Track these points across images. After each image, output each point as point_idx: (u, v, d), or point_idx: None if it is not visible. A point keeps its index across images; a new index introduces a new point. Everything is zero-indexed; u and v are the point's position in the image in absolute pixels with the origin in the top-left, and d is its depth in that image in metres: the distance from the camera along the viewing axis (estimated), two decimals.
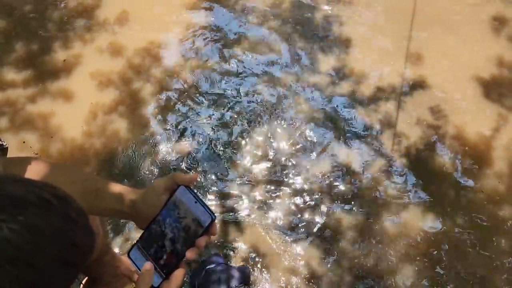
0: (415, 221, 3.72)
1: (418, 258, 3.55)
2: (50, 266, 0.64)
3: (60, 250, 0.67)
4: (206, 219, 0.93)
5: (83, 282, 1.98)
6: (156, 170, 3.86)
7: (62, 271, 0.67)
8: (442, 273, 3.49)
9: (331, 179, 3.87)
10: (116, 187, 1.08)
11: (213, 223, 0.96)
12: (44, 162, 1.16)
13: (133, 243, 1.02)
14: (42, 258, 0.63)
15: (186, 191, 0.95)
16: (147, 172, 3.85)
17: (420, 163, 4.01)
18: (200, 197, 0.96)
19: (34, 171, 1.11)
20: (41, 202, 0.67)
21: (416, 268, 3.50)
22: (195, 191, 0.96)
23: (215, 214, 0.95)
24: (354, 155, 4.02)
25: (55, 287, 0.67)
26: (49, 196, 0.69)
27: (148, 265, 0.93)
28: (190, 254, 0.94)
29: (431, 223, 3.71)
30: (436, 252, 3.58)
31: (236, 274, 2.92)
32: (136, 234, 3.26)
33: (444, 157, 4.04)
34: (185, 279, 3.14)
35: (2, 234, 0.60)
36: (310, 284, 3.39)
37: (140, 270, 0.97)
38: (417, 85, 4.45)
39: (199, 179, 3.80)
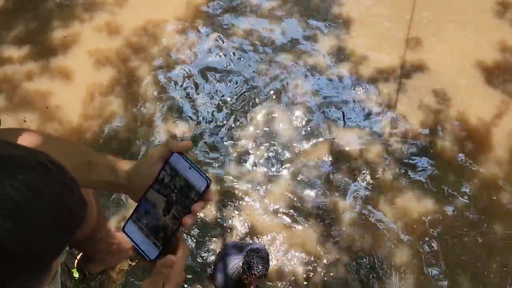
0: (413, 204, 3.72)
1: (414, 240, 3.56)
2: (47, 228, 0.65)
3: (57, 213, 0.67)
4: (201, 184, 0.91)
5: (78, 258, 1.98)
6: None
7: (57, 235, 0.68)
8: (436, 255, 3.50)
9: (329, 162, 3.86)
10: (109, 159, 1.06)
11: (208, 188, 0.94)
12: (36, 134, 1.14)
13: (128, 217, 1.01)
14: (40, 219, 0.64)
15: (180, 158, 0.94)
16: (144, 151, 3.84)
17: (420, 147, 3.99)
18: (194, 163, 0.94)
19: (26, 142, 1.10)
20: (40, 166, 0.68)
21: (413, 250, 3.51)
22: (189, 157, 0.95)
23: (210, 179, 0.94)
24: (353, 138, 4.00)
25: (49, 249, 0.68)
26: (47, 162, 0.69)
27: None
28: (186, 220, 0.94)
29: (428, 206, 3.71)
30: (432, 234, 3.58)
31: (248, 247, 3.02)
32: (128, 212, 3.26)
33: (444, 141, 4.02)
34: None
35: (3, 190, 0.61)
36: (307, 265, 3.41)
37: (136, 244, 0.96)
38: (418, 69, 4.40)
39: (197, 157, 3.79)
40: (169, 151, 0.97)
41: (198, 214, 0.94)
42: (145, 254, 0.95)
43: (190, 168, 0.94)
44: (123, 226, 1.00)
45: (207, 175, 0.93)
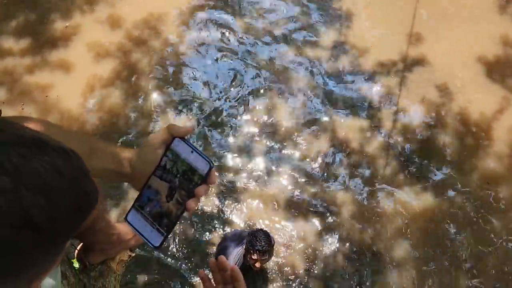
0: (413, 198, 3.72)
1: (414, 234, 3.56)
2: (67, 207, 0.68)
3: (76, 195, 0.70)
4: (204, 167, 0.91)
5: (78, 248, 1.98)
6: None
7: (74, 215, 0.71)
8: (435, 249, 3.51)
9: (329, 154, 3.86)
10: (111, 147, 1.06)
11: (211, 170, 0.94)
12: (39, 121, 1.14)
13: (130, 206, 1.01)
14: (63, 197, 0.67)
15: (182, 142, 0.94)
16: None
17: (421, 141, 3.99)
18: (196, 147, 0.94)
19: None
20: (61, 149, 0.71)
21: (411, 242, 3.52)
22: (191, 141, 0.95)
23: (213, 161, 0.94)
24: (353, 132, 3.99)
25: (67, 227, 0.71)
26: (64, 146, 0.73)
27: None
28: (190, 204, 0.94)
29: (428, 201, 3.71)
30: (431, 229, 3.59)
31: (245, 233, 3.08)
32: (128, 204, 3.27)
33: (445, 135, 4.01)
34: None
35: (32, 165, 0.64)
36: (307, 257, 3.42)
37: (140, 232, 0.96)
38: (420, 63, 4.39)
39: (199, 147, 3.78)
40: (170, 135, 0.96)
41: (201, 197, 0.94)
42: (149, 241, 0.95)
43: (192, 152, 0.93)
44: (126, 215, 0.99)
45: (209, 157, 0.93)
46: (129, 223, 0.99)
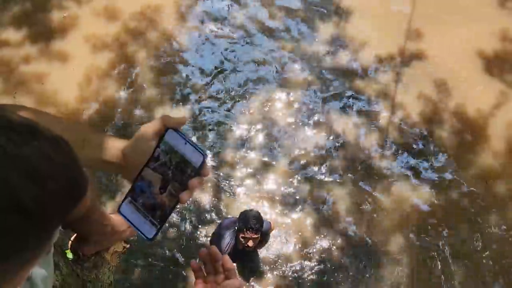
0: (409, 193, 3.73)
1: (409, 229, 3.57)
2: (56, 193, 0.67)
3: (66, 182, 0.69)
4: (198, 159, 0.90)
5: (72, 239, 1.97)
6: None
7: (64, 201, 0.70)
8: (431, 245, 3.52)
9: (327, 149, 3.86)
10: (104, 137, 1.05)
11: (204, 162, 0.93)
12: (32, 110, 1.13)
13: (123, 198, 1.00)
14: (52, 183, 0.66)
15: (175, 133, 0.92)
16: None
17: (418, 136, 3.99)
18: (189, 138, 0.94)
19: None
20: (51, 136, 0.70)
21: (408, 238, 3.53)
22: (184, 132, 0.94)
23: (206, 153, 0.93)
24: (350, 126, 3.99)
25: (55, 214, 0.69)
26: (56, 135, 0.71)
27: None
28: (183, 197, 0.93)
29: (424, 196, 3.72)
30: (427, 223, 3.60)
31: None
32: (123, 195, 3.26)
33: (443, 131, 4.01)
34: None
35: (21, 150, 0.63)
36: (303, 250, 3.43)
37: (133, 224, 0.95)
38: (418, 59, 4.37)
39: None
40: (164, 126, 0.95)
41: (195, 189, 0.93)
42: (143, 233, 0.94)
43: (185, 143, 0.91)
44: (119, 207, 0.99)
45: (202, 149, 0.92)
46: (122, 214, 0.98)
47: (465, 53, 4.40)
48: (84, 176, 0.76)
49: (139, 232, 0.94)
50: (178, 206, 0.94)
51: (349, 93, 4.16)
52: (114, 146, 1.01)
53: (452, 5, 4.64)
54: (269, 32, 4.45)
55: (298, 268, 3.38)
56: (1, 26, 4.35)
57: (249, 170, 3.73)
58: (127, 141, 1.01)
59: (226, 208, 3.59)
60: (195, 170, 0.91)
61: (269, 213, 3.55)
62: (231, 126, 3.93)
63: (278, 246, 3.45)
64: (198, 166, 0.91)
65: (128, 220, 0.97)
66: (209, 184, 3.62)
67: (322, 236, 3.50)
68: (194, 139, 3.83)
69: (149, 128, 0.96)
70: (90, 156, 1.03)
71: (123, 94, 4.06)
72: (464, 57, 4.38)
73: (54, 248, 1.41)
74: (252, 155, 3.80)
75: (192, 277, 3.17)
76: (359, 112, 4.07)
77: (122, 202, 0.98)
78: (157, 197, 0.94)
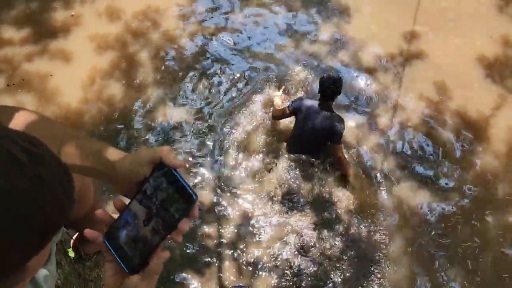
0: (410, 194, 3.74)
1: (410, 230, 3.58)
2: (13, 231, 0.62)
3: (26, 215, 0.63)
4: (187, 200, 0.88)
5: (74, 238, 2.00)
6: (152, 138, 3.84)
7: (26, 237, 0.64)
8: (432, 247, 3.53)
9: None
10: (98, 146, 1.03)
11: (194, 204, 0.92)
12: (28, 113, 1.13)
13: (109, 226, 0.97)
14: (5, 222, 0.61)
15: (169, 169, 0.91)
16: (144, 138, 3.85)
17: (418, 138, 4.00)
18: (183, 177, 0.91)
19: (20, 121, 1.10)
20: (9, 159, 0.63)
21: (408, 240, 3.54)
22: (178, 170, 0.92)
23: (197, 196, 0.92)
24: (351, 127, 4.01)
25: (18, 252, 0.65)
26: (19, 153, 0.65)
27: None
28: (176, 239, 0.90)
29: (425, 197, 3.73)
30: (428, 225, 3.61)
31: None
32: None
33: (443, 133, 4.02)
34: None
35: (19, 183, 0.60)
36: (303, 251, 3.44)
37: (115, 255, 0.94)
38: (419, 60, 4.39)
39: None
40: (160, 159, 0.92)
41: (184, 231, 0.91)
42: (124, 266, 0.94)
43: (177, 182, 0.90)
44: (104, 236, 0.97)
45: (194, 190, 0.91)
46: (106, 244, 0.97)
47: (466, 56, 4.42)
48: (62, 196, 0.71)
49: (120, 264, 0.94)
50: (162, 244, 0.93)
51: (349, 94, 4.18)
52: (107, 156, 1.00)
53: (453, 8, 4.66)
54: (270, 32, 4.47)
55: (296, 269, 3.40)
56: (5, 24, 4.38)
57: (249, 170, 3.75)
58: (121, 155, 1.01)
59: (225, 209, 3.60)
60: (181, 210, 0.89)
61: (269, 213, 3.57)
62: (231, 128, 3.95)
63: (278, 246, 3.47)
64: (187, 208, 0.89)
65: (111, 250, 0.95)
66: (210, 185, 3.64)
67: (322, 237, 3.52)
68: (194, 135, 3.85)
69: (144, 154, 0.94)
70: (81, 163, 1.03)
71: (125, 94, 4.08)
72: (465, 60, 4.39)
73: (56, 247, 1.44)
74: (252, 154, 3.82)
75: (191, 278, 3.19)
76: (360, 113, 4.08)
77: (107, 230, 0.97)
78: (141, 230, 0.93)
